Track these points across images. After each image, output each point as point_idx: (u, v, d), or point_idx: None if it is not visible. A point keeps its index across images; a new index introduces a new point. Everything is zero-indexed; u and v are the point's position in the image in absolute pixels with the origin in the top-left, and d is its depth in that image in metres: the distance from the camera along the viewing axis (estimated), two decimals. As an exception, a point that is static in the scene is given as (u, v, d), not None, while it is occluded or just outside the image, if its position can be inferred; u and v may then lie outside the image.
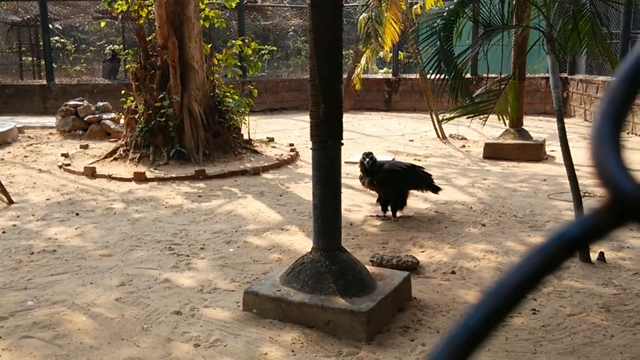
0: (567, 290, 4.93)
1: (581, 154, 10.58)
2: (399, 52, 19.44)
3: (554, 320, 4.39)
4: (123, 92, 11.69)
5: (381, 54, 13.88)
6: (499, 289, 0.49)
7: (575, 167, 5.71)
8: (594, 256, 5.57)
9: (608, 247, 5.88)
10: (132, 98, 11.16)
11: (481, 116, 6.66)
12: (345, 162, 9.50)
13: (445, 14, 6.10)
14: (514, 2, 6.81)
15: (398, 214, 7.09)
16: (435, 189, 7.38)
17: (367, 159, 6.88)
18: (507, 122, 8.10)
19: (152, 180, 9.34)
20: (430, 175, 7.43)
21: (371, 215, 7.23)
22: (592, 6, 6.18)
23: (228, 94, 11.55)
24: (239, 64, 12.79)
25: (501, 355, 3.89)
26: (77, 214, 7.42)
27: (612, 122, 0.49)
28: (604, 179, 0.47)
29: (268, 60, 21.54)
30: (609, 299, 4.76)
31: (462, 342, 0.49)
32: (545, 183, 8.94)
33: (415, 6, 13.39)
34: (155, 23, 10.76)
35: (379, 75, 21.22)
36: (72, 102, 14.41)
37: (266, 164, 10.36)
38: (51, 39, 20.24)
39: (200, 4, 11.47)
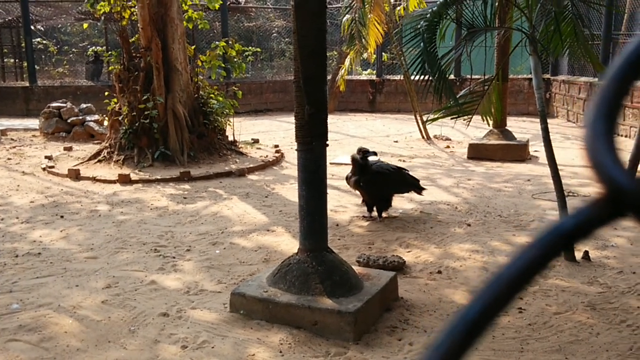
0: (553, 289, 4.97)
1: (564, 154, 10.68)
2: (383, 53, 19.50)
3: (540, 319, 4.42)
4: (107, 93, 11.63)
5: (365, 55, 13.90)
6: (497, 280, 0.50)
7: (558, 167, 5.76)
8: (578, 255, 5.61)
9: (593, 246, 5.93)
10: (115, 100, 11.10)
11: (465, 117, 6.70)
12: (331, 163, 9.53)
13: (428, 15, 6.13)
14: (497, 4, 6.85)
15: (383, 214, 7.10)
16: (420, 191, 7.39)
17: (362, 154, 6.85)
18: (490, 122, 8.16)
19: (136, 182, 9.30)
20: (417, 180, 7.42)
21: (357, 216, 7.25)
22: (574, 7, 6.23)
23: (212, 95, 11.53)
24: (223, 65, 12.78)
25: (488, 354, 3.92)
26: (61, 217, 7.37)
27: (606, 119, 0.50)
28: (599, 173, 0.48)
29: (252, 62, 21.48)
30: (595, 298, 4.80)
31: (462, 333, 0.50)
32: (529, 183, 9.00)
33: (398, 8, 13.44)
34: (139, 24, 10.71)
35: (363, 77, 21.27)
36: (55, 104, 14.32)
37: (251, 166, 10.35)
38: (33, 40, 20.10)
39: (183, 5, 11.44)
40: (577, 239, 0.50)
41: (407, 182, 7.26)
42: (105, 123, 12.25)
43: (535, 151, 11.38)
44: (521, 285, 0.50)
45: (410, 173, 7.45)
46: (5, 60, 22.74)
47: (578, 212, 0.50)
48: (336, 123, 16.26)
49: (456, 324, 0.50)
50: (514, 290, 0.50)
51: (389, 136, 14.43)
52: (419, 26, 6.10)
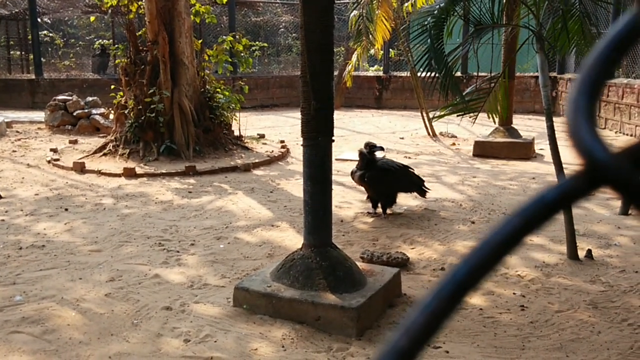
0: (555, 287, 4.96)
1: (570, 152, 10.65)
2: (390, 49, 19.47)
3: (542, 317, 4.42)
4: (113, 87, 11.65)
5: (372, 51, 13.91)
6: (484, 246, 0.53)
7: (563, 165, 5.74)
8: (581, 254, 5.61)
9: (595, 245, 5.93)
10: (121, 93, 11.12)
11: (471, 114, 6.68)
12: (336, 159, 9.53)
13: (436, 12, 6.11)
14: (504, 1, 6.83)
15: (388, 211, 7.10)
16: (423, 193, 7.36)
17: (369, 149, 6.85)
18: (496, 120, 8.13)
19: (141, 176, 9.32)
20: (422, 180, 7.41)
21: (361, 212, 7.25)
22: (582, 5, 6.21)
23: (219, 90, 11.53)
24: (230, 60, 12.77)
25: (490, 351, 3.92)
26: (66, 209, 7.39)
27: (587, 96, 0.53)
28: (579, 147, 0.51)
29: (259, 57, 21.54)
30: (597, 296, 4.80)
31: (450, 292, 0.52)
32: (534, 181, 8.99)
33: (406, 4, 13.40)
34: (146, 18, 10.72)
35: (370, 73, 21.24)
36: (61, 97, 14.35)
37: (257, 161, 10.36)
38: (40, 33, 20.12)
39: (191, -1, 11.45)
40: (559, 208, 0.52)
41: (411, 181, 7.24)
42: (111, 116, 12.28)
43: (541, 149, 11.35)
44: (505, 251, 0.53)
45: (416, 172, 7.44)
46: (12, 52, 22.78)
47: (560, 184, 0.52)
48: (342, 119, 16.26)
49: (444, 285, 0.53)
50: (499, 256, 0.53)
51: (395, 133, 14.42)
52: (426, 23, 6.09)
